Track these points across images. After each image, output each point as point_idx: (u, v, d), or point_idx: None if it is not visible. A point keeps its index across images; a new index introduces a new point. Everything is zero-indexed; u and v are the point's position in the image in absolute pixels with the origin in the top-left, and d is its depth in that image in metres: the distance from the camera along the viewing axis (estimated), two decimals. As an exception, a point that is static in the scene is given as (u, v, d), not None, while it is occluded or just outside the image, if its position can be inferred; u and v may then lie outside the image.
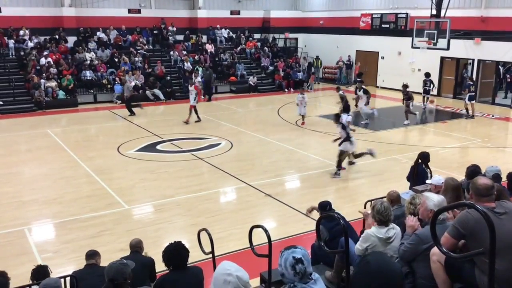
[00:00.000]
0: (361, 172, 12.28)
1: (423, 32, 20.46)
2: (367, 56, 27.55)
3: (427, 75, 20.54)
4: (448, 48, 19.73)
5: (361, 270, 2.46)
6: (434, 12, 20.75)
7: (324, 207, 6.23)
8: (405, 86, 18.26)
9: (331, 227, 5.55)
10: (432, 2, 20.62)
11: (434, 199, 4.27)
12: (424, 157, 8.78)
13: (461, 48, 21.86)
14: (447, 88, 23.78)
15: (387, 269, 2.42)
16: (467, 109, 18.95)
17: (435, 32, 19.90)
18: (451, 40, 19.65)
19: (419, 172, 8.64)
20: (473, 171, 6.87)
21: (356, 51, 28.27)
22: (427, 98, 20.61)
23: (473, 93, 18.96)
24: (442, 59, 23.46)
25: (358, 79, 21.71)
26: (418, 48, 21.00)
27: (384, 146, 14.59)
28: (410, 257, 4.16)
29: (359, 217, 7.72)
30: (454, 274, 3.81)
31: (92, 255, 5.53)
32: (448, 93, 23.61)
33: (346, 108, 13.76)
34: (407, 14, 24.74)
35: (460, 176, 8.07)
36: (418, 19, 21.24)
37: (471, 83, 19.26)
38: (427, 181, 7.33)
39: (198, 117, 17.74)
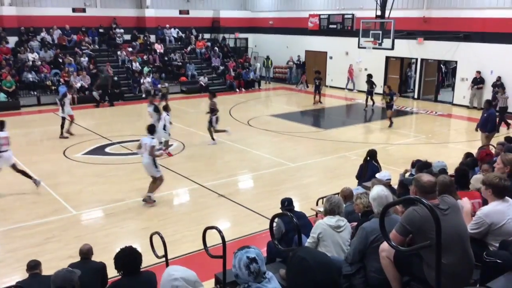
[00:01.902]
0: (312, 170, 12.47)
1: (369, 33, 20.98)
2: (316, 56, 28.01)
3: (369, 76, 21.06)
4: (392, 48, 20.34)
5: (297, 267, 2.47)
6: (379, 13, 21.36)
7: (283, 203, 6.30)
8: (212, 95, 14.57)
9: (288, 220, 5.60)
10: (376, 3, 21.22)
11: (372, 193, 4.39)
12: (372, 155, 9.18)
13: (405, 48, 22.65)
14: (392, 87, 24.43)
15: (324, 260, 2.47)
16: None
17: (380, 32, 20.48)
18: (395, 40, 20.28)
19: (369, 169, 8.96)
20: (425, 164, 7.17)
21: (306, 51, 28.68)
22: (371, 98, 20.92)
23: (392, 104, 17.56)
24: (387, 58, 24.22)
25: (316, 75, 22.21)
26: (364, 48, 21.53)
27: (334, 144, 14.89)
28: (361, 253, 4.21)
29: (311, 214, 7.86)
30: (403, 269, 3.90)
31: (35, 265, 5.30)
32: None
33: (150, 130, 10.11)
34: (353, 15, 25.36)
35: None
36: (363, 20, 21.79)
37: (387, 92, 17.86)
38: (377, 175, 7.57)
39: (66, 132, 15.28)
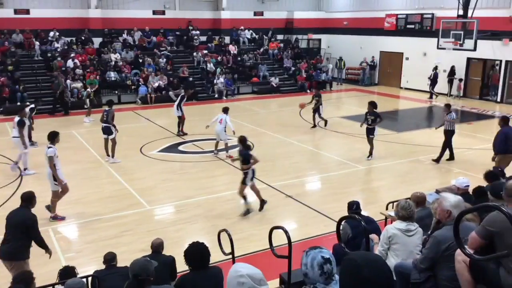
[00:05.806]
0: (383, 173, 12.12)
1: (449, 33, 20.11)
2: (391, 57, 27.24)
3: (373, 105, 13.24)
4: (475, 49, 19.34)
5: (346, 268, 2.45)
6: (461, 12, 20.38)
7: (351, 206, 6.20)
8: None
9: (355, 225, 5.51)
10: (459, 2, 20.25)
11: (450, 200, 4.23)
12: None
13: (488, 49, 21.41)
14: (474, 90, 23.33)
15: (373, 258, 2.41)
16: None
17: (462, 32, 19.55)
18: (478, 41, 19.25)
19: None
20: (491, 173, 6.93)
21: (380, 51, 27.98)
22: (371, 138, 13.17)
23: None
24: (469, 60, 23.02)
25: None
26: (444, 49, 20.67)
27: (408, 147, 14.38)
28: (431, 261, 4.09)
29: (380, 219, 7.64)
30: (478, 275, 3.76)
31: (111, 258, 5.60)
32: (475, 95, 23.16)
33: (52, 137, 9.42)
34: (433, 14, 24.36)
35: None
36: (444, 20, 20.91)
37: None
38: (454, 181, 7.26)
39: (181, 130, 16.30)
